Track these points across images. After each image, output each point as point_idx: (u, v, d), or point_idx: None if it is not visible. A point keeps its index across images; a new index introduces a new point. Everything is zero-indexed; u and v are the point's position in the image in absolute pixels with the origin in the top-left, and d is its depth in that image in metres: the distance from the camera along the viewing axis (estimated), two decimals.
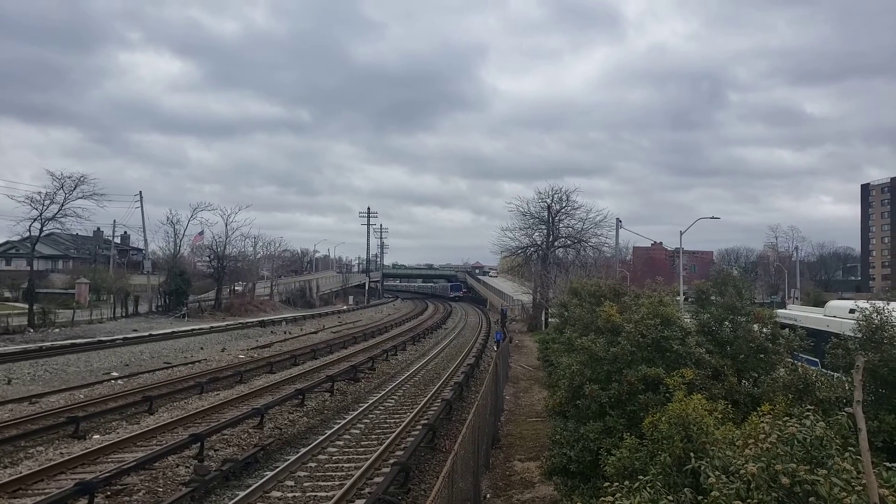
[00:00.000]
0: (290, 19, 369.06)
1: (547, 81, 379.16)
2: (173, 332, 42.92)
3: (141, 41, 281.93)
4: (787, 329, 12.98)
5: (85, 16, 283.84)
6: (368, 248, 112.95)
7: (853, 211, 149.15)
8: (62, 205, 45.93)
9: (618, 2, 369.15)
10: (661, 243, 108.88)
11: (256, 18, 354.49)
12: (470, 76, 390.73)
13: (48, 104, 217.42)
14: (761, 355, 11.75)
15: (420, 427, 16.45)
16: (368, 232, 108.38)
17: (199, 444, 14.29)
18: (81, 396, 21.71)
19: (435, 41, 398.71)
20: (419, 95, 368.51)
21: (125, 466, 12.78)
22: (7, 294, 63.80)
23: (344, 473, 13.27)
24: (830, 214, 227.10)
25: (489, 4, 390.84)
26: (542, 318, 49.88)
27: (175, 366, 29.98)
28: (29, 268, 54.44)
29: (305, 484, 12.70)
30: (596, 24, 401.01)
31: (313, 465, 14.10)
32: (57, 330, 41.81)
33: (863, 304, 10.03)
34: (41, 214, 45.32)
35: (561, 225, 56.70)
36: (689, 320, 13.26)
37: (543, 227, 56.51)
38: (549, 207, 55.93)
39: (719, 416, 7.74)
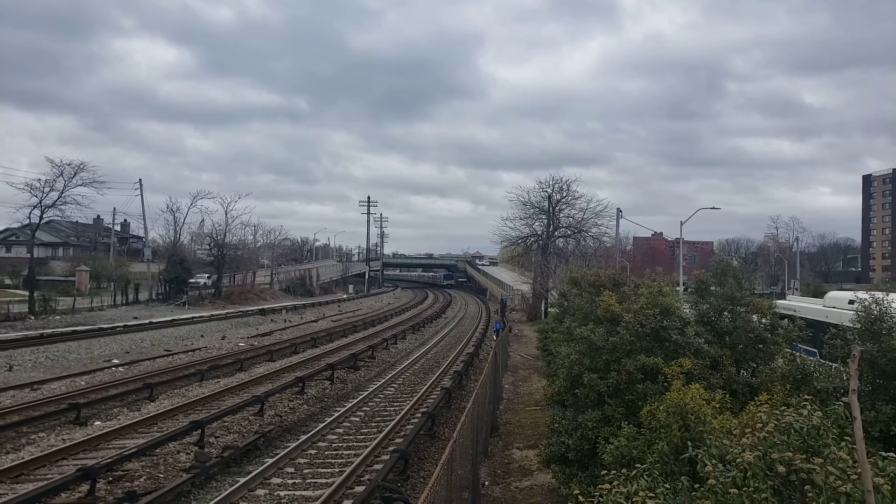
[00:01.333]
0: (284, 6, 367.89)
1: (544, 70, 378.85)
2: (173, 320, 43.05)
3: (135, 28, 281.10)
4: (786, 320, 13.00)
5: (79, 1, 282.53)
6: (368, 237, 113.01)
7: (852, 202, 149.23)
8: (62, 192, 45.99)
9: None
10: (661, 233, 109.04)
11: (250, 5, 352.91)
12: (467, 64, 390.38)
13: (44, 91, 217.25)
14: (760, 345, 11.78)
15: (419, 415, 16.54)
16: (368, 221, 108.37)
17: (199, 431, 14.38)
18: (83, 383, 21.80)
19: (431, 29, 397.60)
20: (416, 84, 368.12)
21: (126, 453, 12.87)
22: (7, 281, 63.92)
23: (343, 461, 13.36)
24: (830, 205, 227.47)
25: None
26: (542, 308, 49.96)
27: (175, 353, 30.08)
28: (29, 255, 54.47)
29: (305, 471, 12.79)
30: (593, 13, 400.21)
31: (313, 452, 14.19)
32: (57, 317, 41.93)
33: (862, 295, 10.04)
34: (41, 202, 45.38)
35: (561, 215, 56.63)
36: (688, 310, 13.28)
37: (544, 216, 56.44)
38: (549, 197, 55.84)
39: (717, 406, 7.77)
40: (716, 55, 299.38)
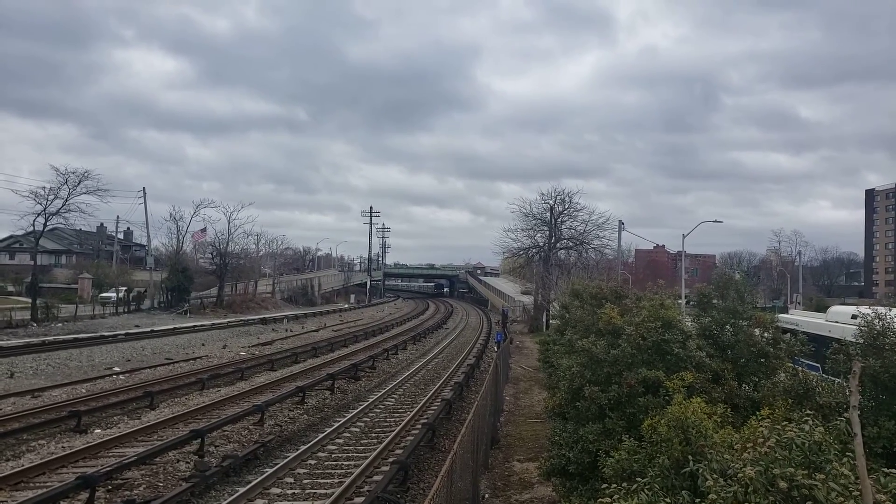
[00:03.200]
0: (281, 16, 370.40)
1: (540, 83, 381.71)
2: (175, 329, 43.03)
3: (134, 38, 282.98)
4: (788, 334, 12.98)
5: (78, 12, 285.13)
6: (370, 247, 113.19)
7: (852, 216, 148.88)
8: (66, 200, 46.00)
9: (608, 4, 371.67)
10: (663, 246, 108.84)
11: (248, 15, 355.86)
12: (464, 76, 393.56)
13: (45, 99, 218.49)
14: (762, 360, 11.75)
15: (420, 426, 16.49)
16: (371, 231, 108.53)
17: (199, 440, 14.35)
18: (83, 391, 21.78)
19: (427, 40, 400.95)
20: (413, 94, 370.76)
21: (126, 461, 12.84)
22: (10, 288, 64.05)
23: (343, 471, 13.31)
24: (830, 219, 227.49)
25: (479, 5, 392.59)
26: (543, 320, 49.87)
27: (176, 362, 30.05)
28: (32, 262, 54.52)
29: (305, 481, 12.74)
30: (587, 26, 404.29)
31: (313, 462, 14.15)
32: (59, 324, 41.94)
33: (865, 309, 10.05)
34: (45, 209, 45.38)
35: (563, 226, 56.64)
36: (690, 324, 13.27)
37: (546, 228, 56.46)
38: (551, 209, 55.89)
39: (718, 420, 7.75)
40: (711, 69, 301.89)
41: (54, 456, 13.54)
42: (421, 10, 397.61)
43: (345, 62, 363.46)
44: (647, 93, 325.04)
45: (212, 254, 70.18)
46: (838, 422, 6.13)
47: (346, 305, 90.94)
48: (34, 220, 45.86)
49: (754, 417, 7.18)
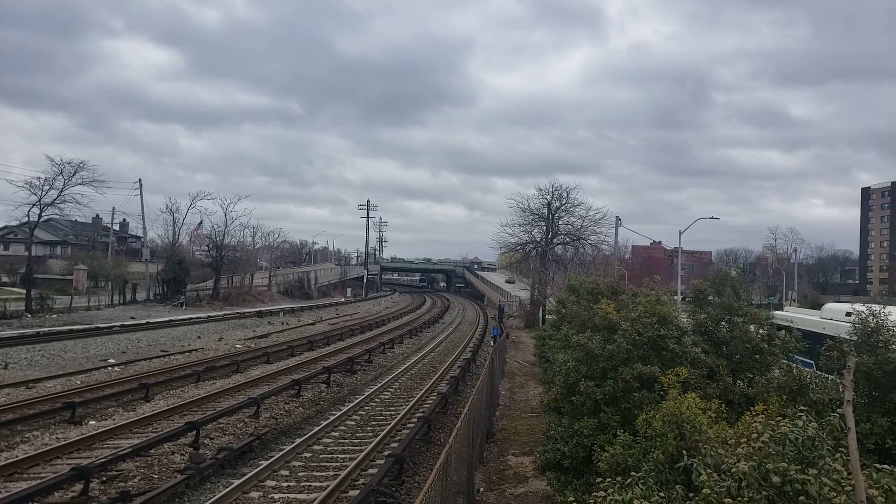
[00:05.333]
0: (271, 7, 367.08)
1: (532, 78, 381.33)
2: (171, 321, 42.96)
3: (124, 29, 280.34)
4: (783, 331, 13.04)
5: (68, 0, 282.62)
6: (367, 241, 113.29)
7: (844, 213, 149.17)
8: (61, 190, 45.80)
9: (598, 0, 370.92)
10: (660, 242, 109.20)
11: (238, 6, 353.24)
12: (456, 70, 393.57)
13: (36, 89, 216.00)
14: (757, 356, 11.82)
15: (415, 420, 16.52)
16: (368, 225, 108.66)
17: (194, 432, 14.34)
18: (78, 382, 21.74)
19: (419, 33, 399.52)
20: (407, 88, 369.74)
21: (121, 452, 12.82)
22: (5, 279, 63.81)
23: (338, 464, 13.33)
24: (822, 217, 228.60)
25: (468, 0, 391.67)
26: (540, 315, 49.94)
27: (172, 354, 30.01)
28: (27, 253, 54.37)
29: (300, 474, 12.76)
30: (577, 22, 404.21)
31: (308, 455, 14.16)
32: (54, 316, 41.83)
33: (859, 307, 10.10)
34: (40, 200, 45.17)
35: (560, 222, 56.66)
36: (685, 320, 13.32)
37: (543, 223, 56.49)
38: (548, 204, 55.90)
39: (713, 415, 7.80)
40: (701, 66, 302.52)
41: (49, 447, 13.52)
42: (411, 4, 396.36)
43: (337, 55, 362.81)
44: (638, 89, 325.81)
45: (208, 246, 70.04)
46: (831, 418, 6.16)
47: (343, 299, 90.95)
48: (29, 211, 45.70)
49: (748, 413, 7.22)
